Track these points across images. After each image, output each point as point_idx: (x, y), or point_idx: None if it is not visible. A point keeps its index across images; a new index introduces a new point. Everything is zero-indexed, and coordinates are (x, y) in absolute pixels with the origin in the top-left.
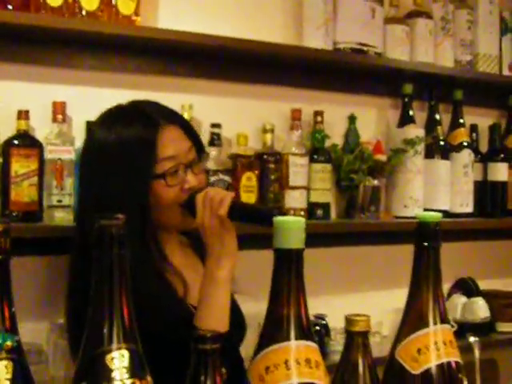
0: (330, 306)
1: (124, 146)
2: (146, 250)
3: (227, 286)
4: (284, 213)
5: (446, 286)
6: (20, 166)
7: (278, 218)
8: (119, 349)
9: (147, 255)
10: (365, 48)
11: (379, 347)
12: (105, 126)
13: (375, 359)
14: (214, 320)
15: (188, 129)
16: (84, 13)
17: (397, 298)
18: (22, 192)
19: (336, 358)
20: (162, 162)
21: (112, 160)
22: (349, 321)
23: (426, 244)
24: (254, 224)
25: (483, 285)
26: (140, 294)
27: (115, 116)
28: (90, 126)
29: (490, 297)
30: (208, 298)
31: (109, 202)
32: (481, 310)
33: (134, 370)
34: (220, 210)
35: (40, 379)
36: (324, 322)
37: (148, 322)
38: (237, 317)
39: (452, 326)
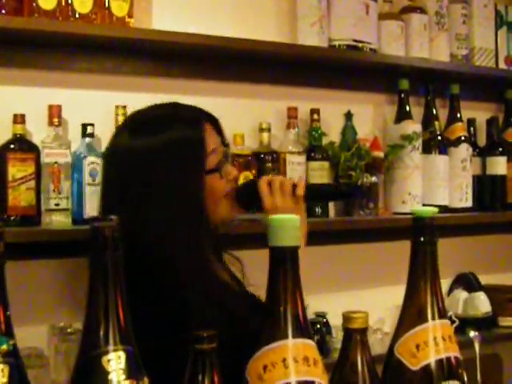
0: (331, 303)
1: (174, 147)
2: (206, 251)
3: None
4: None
5: (446, 282)
6: (17, 170)
7: (273, 216)
8: (116, 350)
9: (208, 255)
10: (360, 44)
11: (381, 344)
12: (146, 131)
13: (377, 356)
14: None
15: (215, 124)
16: (77, 16)
17: (398, 294)
18: (20, 196)
19: (337, 355)
20: (208, 156)
21: (164, 163)
22: (346, 318)
23: (422, 239)
24: (331, 201)
25: (484, 279)
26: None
27: (154, 120)
28: (122, 132)
29: (492, 291)
30: None
31: (167, 207)
32: (482, 304)
33: (131, 372)
34: (297, 190)
35: (41, 383)
36: (325, 319)
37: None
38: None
39: (453, 322)
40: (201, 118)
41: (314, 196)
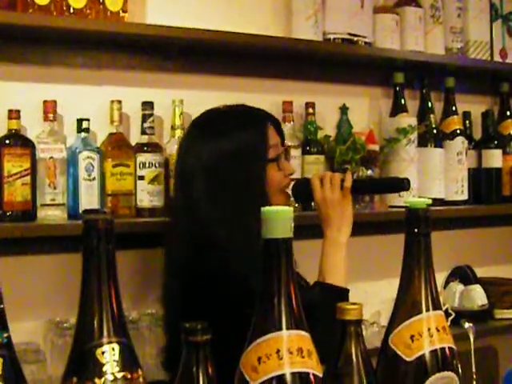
0: None
1: (241, 148)
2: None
3: (347, 249)
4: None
5: (442, 275)
6: (12, 165)
7: (266, 208)
8: (109, 342)
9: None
10: (355, 38)
11: (378, 337)
12: (214, 136)
13: (373, 349)
14: (340, 276)
15: (277, 126)
16: (72, 10)
17: (394, 287)
18: (15, 191)
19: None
20: (269, 149)
21: (235, 163)
22: (341, 310)
23: (416, 230)
24: (379, 193)
25: (480, 272)
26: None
27: (220, 124)
28: (193, 133)
29: (488, 284)
30: (334, 260)
31: (239, 200)
32: (478, 297)
33: (125, 363)
34: (345, 183)
35: (38, 378)
36: None
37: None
38: None
39: (450, 315)
40: (266, 119)
41: (361, 188)
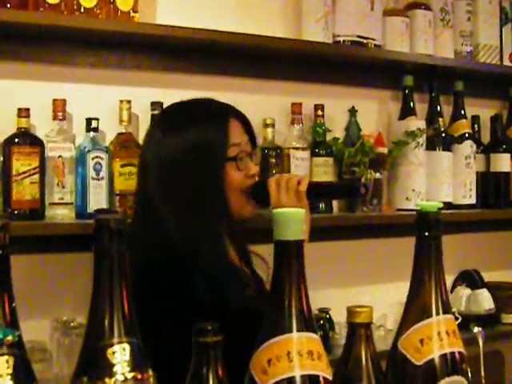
0: (334, 299)
1: (200, 143)
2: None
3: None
4: (366, 185)
5: (450, 279)
6: (21, 164)
7: (277, 210)
8: (120, 342)
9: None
10: (364, 41)
11: (384, 341)
12: (173, 130)
13: (380, 352)
14: None
15: (246, 124)
16: (82, 10)
17: (401, 291)
18: (24, 190)
19: (340, 351)
20: (230, 147)
21: (192, 158)
22: (351, 312)
23: (426, 234)
24: (335, 198)
25: (487, 276)
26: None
27: (181, 118)
28: (155, 126)
29: (495, 288)
30: None
31: (195, 197)
32: (485, 301)
33: (136, 364)
34: (300, 187)
35: (43, 377)
36: (328, 315)
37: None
38: None
39: (457, 319)
40: (229, 115)
41: (317, 193)
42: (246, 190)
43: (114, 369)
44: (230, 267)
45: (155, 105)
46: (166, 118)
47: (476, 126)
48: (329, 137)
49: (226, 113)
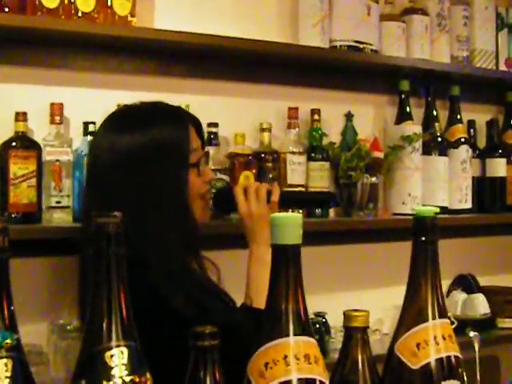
0: (330, 303)
1: (161, 143)
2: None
3: None
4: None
5: (445, 283)
6: (18, 167)
7: (275, 214)
8: (118, 346)
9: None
10: (361, 45)
11: (380, 345)
12: (131, 129)
13: (376, 357)
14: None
15: (199, 128)
16: (80, 14)
17: (397, 295)
18: (21, 194)
19: (336, 356)
20: (190, 153)
21: (152, 158)
22: (347, 316)
23: (423, 238)
24: (307, 208)
25: (483, 281)
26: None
27: (140, 116)
28: (107, 128)
29: (490, 293)
30: (262, 280)
31: (154, 199)
32: (481, 306)
33: (134, 367)
34: (272, 197)
35: (40, 380)
36: (324, 320)
37: None
38: None
39: (452, 323)
40: (185, 118)
41: (289, 202)
42: (206, 195)
43: (112, 372)
44: (200, 279)
45: None
46: (124, 118)
47: (472, 130)
48: (325, 141)
49: (185, 116)
